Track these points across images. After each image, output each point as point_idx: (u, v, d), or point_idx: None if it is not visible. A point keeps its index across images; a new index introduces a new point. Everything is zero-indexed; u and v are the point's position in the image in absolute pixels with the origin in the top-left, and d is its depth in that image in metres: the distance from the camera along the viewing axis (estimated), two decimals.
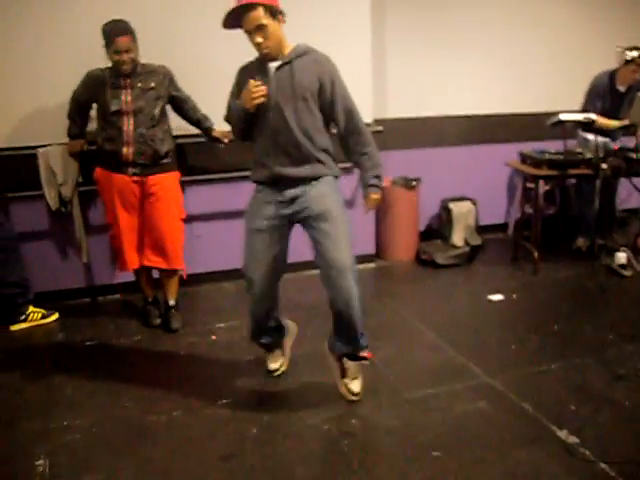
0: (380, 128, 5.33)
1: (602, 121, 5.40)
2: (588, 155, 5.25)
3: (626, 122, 5.36)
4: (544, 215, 6.22)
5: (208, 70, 4.73)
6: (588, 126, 5.46)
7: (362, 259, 5.08)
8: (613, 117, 5.45)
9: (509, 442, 3.04)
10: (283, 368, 3.76)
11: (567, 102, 5.86)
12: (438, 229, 6.08)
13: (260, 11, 2.97)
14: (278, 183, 3.22)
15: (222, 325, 4.45)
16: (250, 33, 3.03)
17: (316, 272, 3.26)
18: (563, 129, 5.25)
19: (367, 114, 5.30)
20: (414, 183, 5.65)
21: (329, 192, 3.23)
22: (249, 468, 2.89)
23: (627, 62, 5.43)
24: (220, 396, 3.50)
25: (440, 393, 3.48)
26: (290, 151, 3.16)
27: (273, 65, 3.13)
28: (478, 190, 6.12)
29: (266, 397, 3.52)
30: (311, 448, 3.06)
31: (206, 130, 4.48)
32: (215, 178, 5.03)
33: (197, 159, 4.87)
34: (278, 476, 2.84)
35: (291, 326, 3.83)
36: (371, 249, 5.61)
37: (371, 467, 2.89)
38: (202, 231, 5.10)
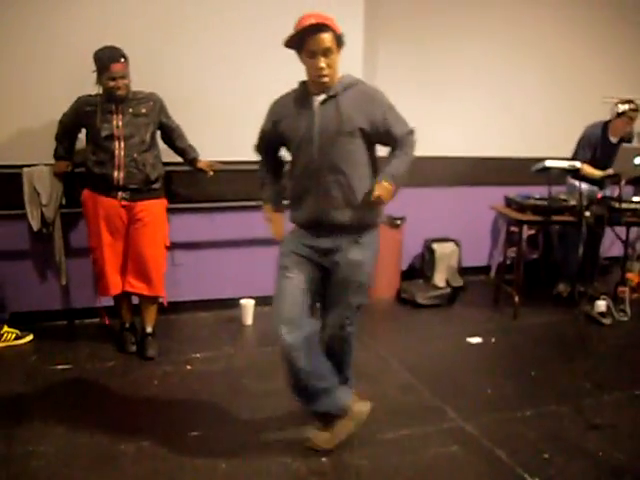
0: None
1: (587, 170, 5.46)
2: (572, 202, 5.29)
3: (610, 172, 5.42)
4: (527, 259, 6.25)
5: (198, 100, 4.75)
6: (575, 174, 5.52)
7: None
8: (604, 167, 5.51)
9: None
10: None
11: (554, 149, 5.91)
12: (420, 269, 6.08)
13: (331, 35, 2.85)
14: (316, 227, 3.07)
15: (198, 355, 4.40)
16: (314, 55, 2.86)
17: None
18: (548, 175, 5.29)
19: None
20: (399, 222, 5.66)
21: (367, 260, 3.09)
22: None
23: (619, 115, 5.52)
24: (191, 428, 3.45)
25: (413, 435, 3.44)
26: (332, 192, 2.99)
27: (319, 99, 2.98)
28: (462, 231, 6.13)
29: (237, 431, 3.47)
30: None
31: (191, 161, 4.49)
32: (198, 207, 5.02)
33: (181, 187, 4.86)
34: None
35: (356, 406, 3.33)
36: None
37: None
38: (183, 259, 5.07)
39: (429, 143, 5.99)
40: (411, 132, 3.15)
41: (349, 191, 2.99)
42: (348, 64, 5.14)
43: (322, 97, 2.97)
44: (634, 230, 5.64)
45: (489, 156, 6.21)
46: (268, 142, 3.25)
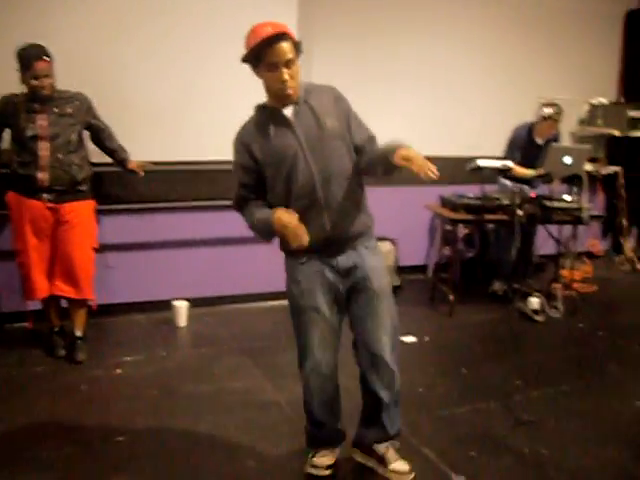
0: None
1: (519, 170, 5.56)
2: (505, 201, 5.36)
3: (541, 171, 5.50)
4: (463, 258, 6.32)
5: (130, 100, 4.69)
6: (506, 173, 5.61)
7: (271, 296, 5.07)
8: (531, 167, 5.60)
9: None
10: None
11: (492, 148, 5.99)
12: None
13: (290, 44, 2.62)
14: (327, 249, 2.81)
15: (128, 359, 4.34)
16: (275, 68, 2.62)
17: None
18: (482, 175, 5.35)
19: None
20: None
21: (383, 263, 2.98)
22: None
23: (544, 118, 5.60)
24: (118, 433, 3.40)
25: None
26: (334, 205, 2.76)
27: (290, 112, 2.75)
28: (398, 231, 6.16)
29: (165, 434, 3.43)
30: None
31: (122, 161, 4.42)
32: (130, 208, 4.95)
33: (112, 188, 4.79)
34: None
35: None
36: (281, 286, 5.55)
37: None
38: (115, 261, 4.99)
39: None
40: (374, 138, 2.94)
41: (353, 196, 2.82)
42: None
43: (292, 108, 2.75)
44: (567, 228, 5.72)
45: (425, 155, 6.21)
46: (256, 182, 2.82)
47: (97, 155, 4.41)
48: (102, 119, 4.30)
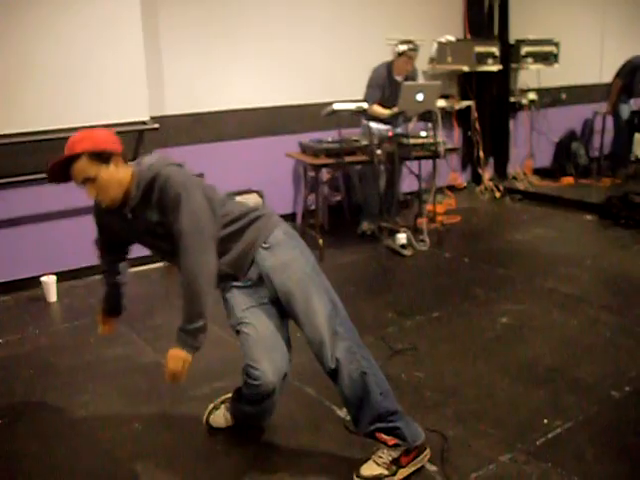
0: (156, 125, 5.24)
1: (375, 110, 5.66)
2: (364, 142, 5.46)
3: (395, 110, 5.62)
4: (330, 203, 6.42)
5: None
6: (367, 115, 5.70)
7: (138, 261, 4.96)
8: (393, 105, 5.68)
9: (292, 426, 3.12)
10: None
11: (346, 92, 6.06)
12: None
13: (84, 161, 2.45)
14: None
15: (0, 341, 4.17)
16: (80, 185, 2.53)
17: None
18: (338, 119, 5.41)
19: (143, 112, 5.22)
20: None
21: (286, 259, 2.71)
22: None
23: (400, 54, 5.72)
24: None
25: (227, 387, 3.44)
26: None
27: (127, 213, 2.61)
28: (264, 182, 6.15)
29: (45, 414, 3.33)
30: None
31: None
32: None
33: None
34: None
35: None
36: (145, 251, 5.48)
37: None
38: None
39: (222, 97, 5.98)
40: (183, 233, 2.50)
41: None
42: (127, 31, 5.03)
43: (128, 211, 2.61)
44: (428, 164, 5.91)
45: (282, 105, 6.25)
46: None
47: None
48: None
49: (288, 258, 2.71)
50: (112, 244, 2.90)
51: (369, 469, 2.67)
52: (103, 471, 2.87)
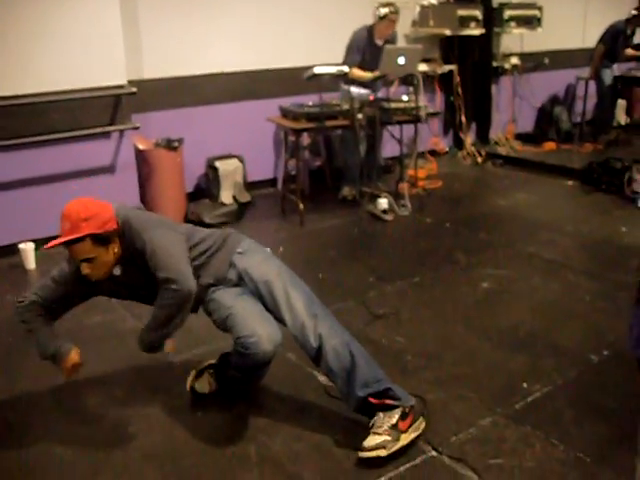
0: (134, 90, 5.14)
1: (356, 73, 5.59)
2: (345, 106, 5.40)
3: (377, 73, 5.55)
4: (311, 167, 6.37)
5: None
6: (346, 79, 5.63)
7: None
8: (373, 69, 5.61)
9: (275, 391, 3.12)
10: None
11: (327, 56, 5.98)
12: (206, 188, 6.00)
13: (87, 244, 2.52)
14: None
15: None
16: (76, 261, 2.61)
17: None
18: (319, 82, 5.35)
19: (120, 76, 5.11)
20: (177, 144, 5.50)
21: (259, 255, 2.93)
22: None
23: (381, 18, 5.64)
24: None
25: (206, 352, 3.43)
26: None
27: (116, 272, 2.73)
28: (244, 147, 6.09)
29: (22, 382, 3.33)
30: None
31: None
32: None
33: None
34: None
35: None
36: None
37: None
38: None
39: (201, 60, 5.89)
40: (170, 281, 2.60)
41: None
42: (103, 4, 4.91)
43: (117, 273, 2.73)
44: (410, 129, 5.87)
45: (263, 68, 6.17)
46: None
47: None
48: None
49: (262, 257, 2.94)
50: (62, 307, 2.98)
51: (371, 440, 2.63)
52: (86, 438, 2.85)
